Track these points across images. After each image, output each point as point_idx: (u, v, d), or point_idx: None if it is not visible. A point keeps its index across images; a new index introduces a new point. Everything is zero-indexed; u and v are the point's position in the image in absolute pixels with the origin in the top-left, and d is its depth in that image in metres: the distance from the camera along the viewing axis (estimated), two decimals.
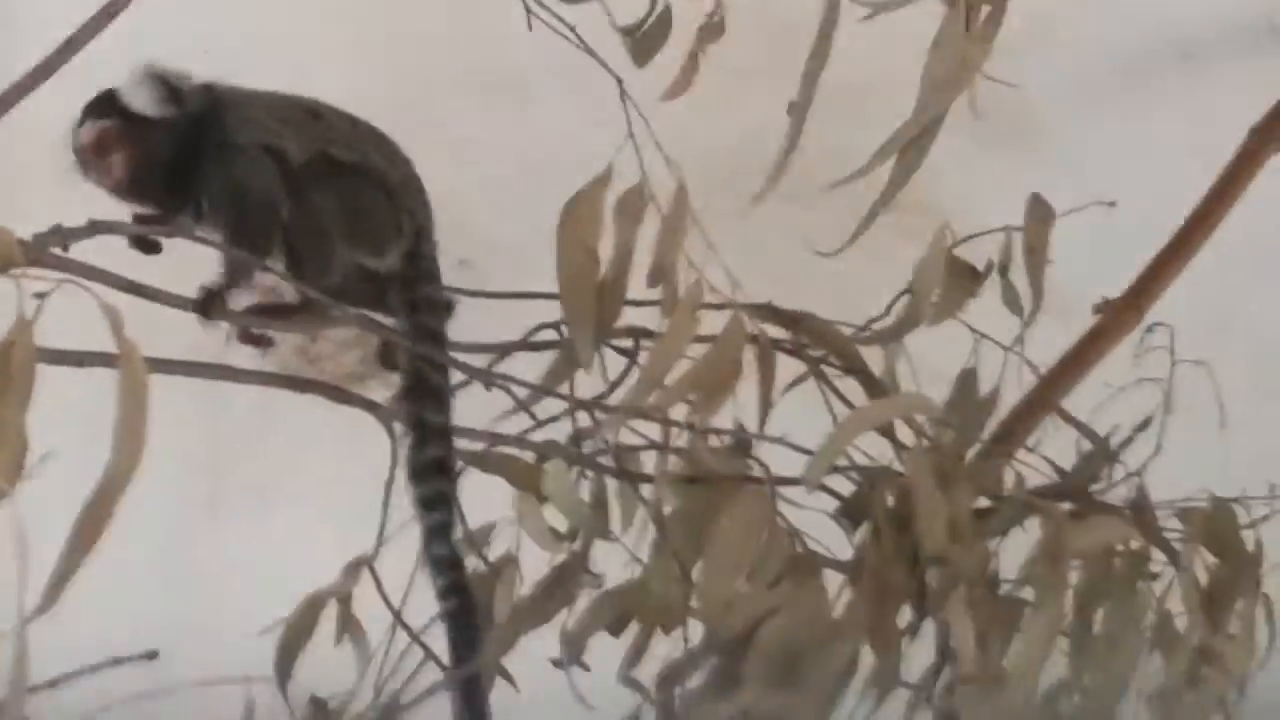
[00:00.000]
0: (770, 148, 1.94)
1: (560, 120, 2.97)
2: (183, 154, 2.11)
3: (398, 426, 2.09)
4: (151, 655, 2.84)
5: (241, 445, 2.04)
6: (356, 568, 2.03)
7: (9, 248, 1.66)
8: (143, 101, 2.11)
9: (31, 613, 1.52)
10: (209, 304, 2.08)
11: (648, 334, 2.06)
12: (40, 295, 1.63)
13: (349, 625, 2.04)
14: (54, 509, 1.57)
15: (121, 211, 2.14)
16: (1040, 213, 2.19)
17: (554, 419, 2.09)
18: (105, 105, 2.12)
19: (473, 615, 2.09)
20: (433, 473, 2.10)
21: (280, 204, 2.11)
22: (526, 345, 2.09)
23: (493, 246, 2.31)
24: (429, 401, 2.11)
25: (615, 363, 2.09)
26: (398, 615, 2.05)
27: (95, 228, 1.91)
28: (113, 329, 1.61)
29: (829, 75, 1.93)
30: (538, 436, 2.09)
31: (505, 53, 2.89)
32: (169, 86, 2.11)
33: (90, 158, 2.11)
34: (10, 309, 1.64)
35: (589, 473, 2.08)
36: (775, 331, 2.09)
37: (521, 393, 2.05)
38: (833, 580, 2.04)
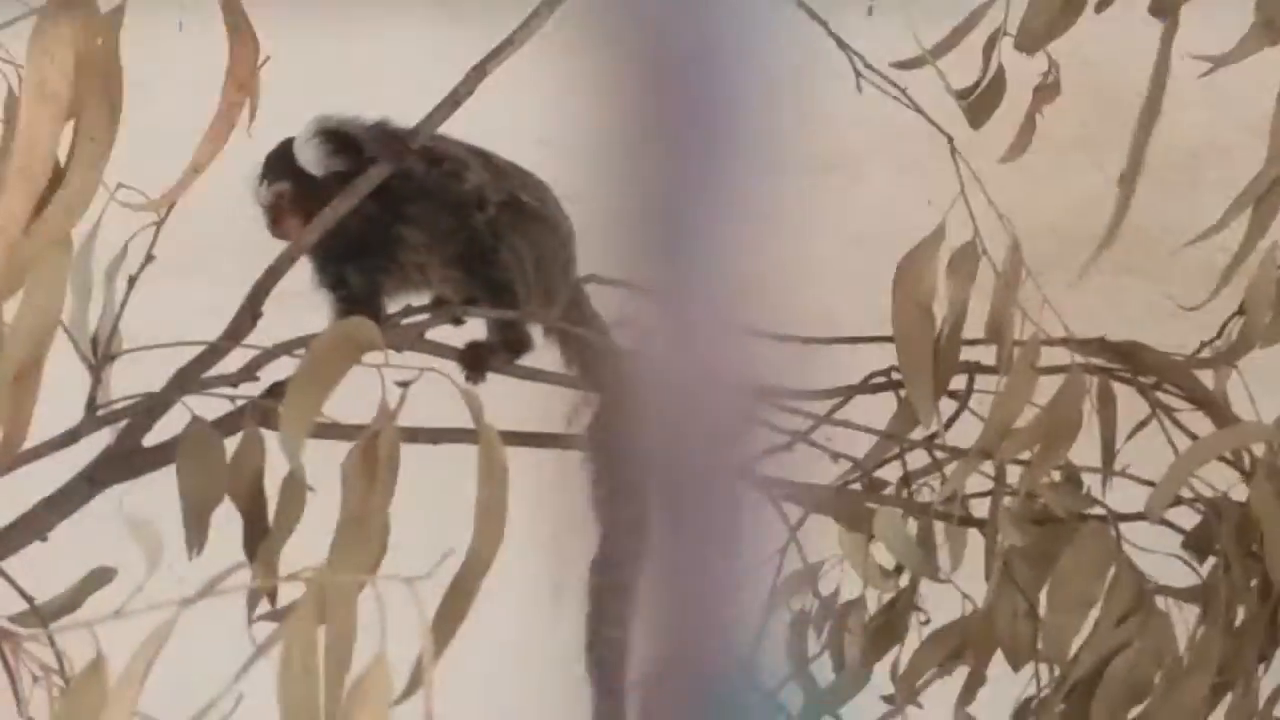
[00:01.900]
0: (1100, 220, 1.96)
1: (888, 198, 3.00)
2: (372, 200, 2.03)
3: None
4: None
5: (584, 524, 2.08)
6: None
7: (373, 336, 1.71)
8: (316, 159, 2.05)
9: (397, 696, 1.54)
10: (480, 359, 2.07)
11: (980, 369, 2.07)
12: (403, 384, 1.69)
13: None
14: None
15: None
16: None
17: (885, 462, 2.11)
18: (281, 164, 2.07)
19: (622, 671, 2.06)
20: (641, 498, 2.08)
21: (527, 255, 2.10)
22: (866, 389, 2.10)
23: (824, 326, 2.34)
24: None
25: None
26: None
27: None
28: (473, 414, 1.66)
29: (1157, 144, 1.94)
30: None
31: (838, 132, 2.91)
32: (343, 138, 2.05)
33: (271, 221, 2.07)
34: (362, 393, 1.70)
35: (915, 514, 2.09)
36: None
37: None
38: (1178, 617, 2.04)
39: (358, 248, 2.08)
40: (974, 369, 2.07)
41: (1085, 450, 2.03)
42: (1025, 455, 1.99)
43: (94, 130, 1.65)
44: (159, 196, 1.80)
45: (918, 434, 2.07)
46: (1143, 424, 2.06)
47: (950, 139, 2.00)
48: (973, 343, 2.01)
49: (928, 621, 2.12)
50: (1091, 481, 2.07)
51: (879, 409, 2.11)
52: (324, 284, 2.11)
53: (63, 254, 1.67)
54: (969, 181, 1.97)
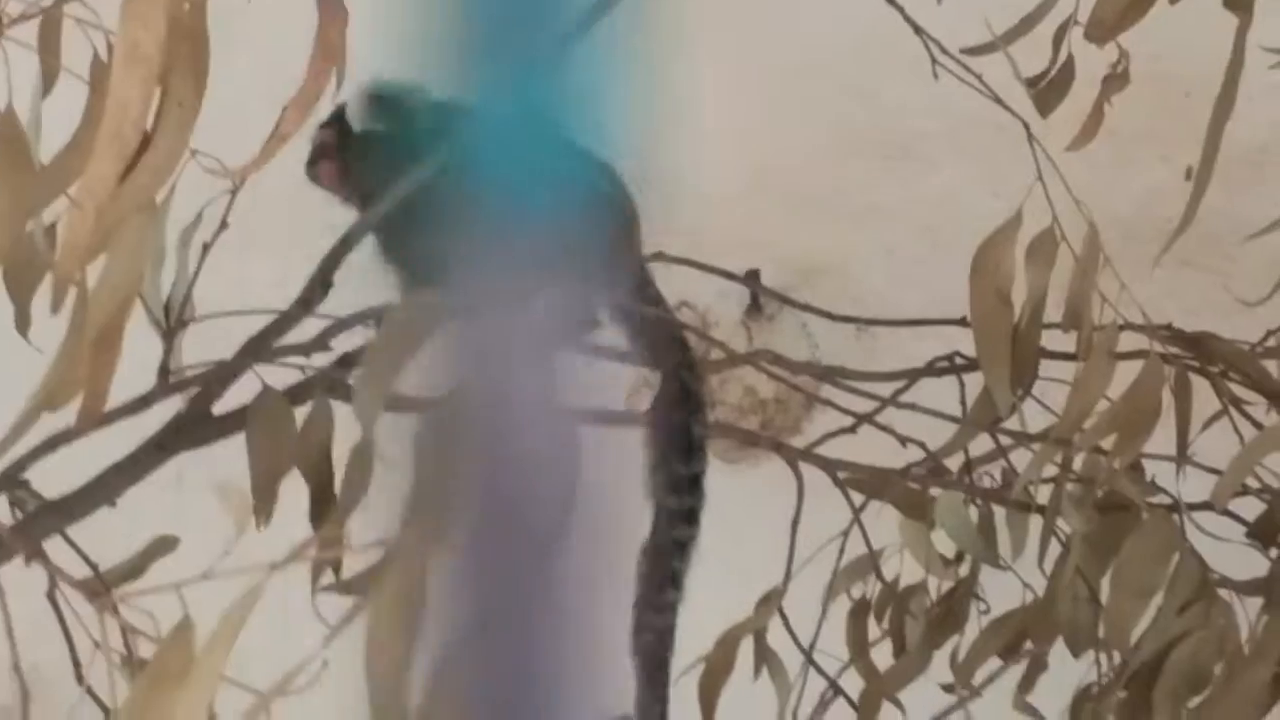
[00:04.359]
0: (1163, 213, 1.95)
1: (957, 188, 3.00)
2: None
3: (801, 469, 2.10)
4: None
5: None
6: (769, 602, 2.07)
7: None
8: (357, 116, 2.08)
9: None
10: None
11: (1045, 354, 2.06)
12: None
13: (767, 658, 2.07)
14: None
15: None
16: None
17: (949, 450, 2.11)
18: (335, 114, 2.10)
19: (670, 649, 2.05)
20: (696, 487, 2.07)
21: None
22: (931, 372, 2.10)
23: (890, 312, 2.34)
24: (697, 414, 2.09)
25: None
26: (808, 654, 2.08)
27: None
28: None
29: (1224, 137, 1.94)
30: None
31: (907, 121, 2.92)
32: (388, 103, 2.06)
33: (310, 162, 2.11)
34: None
35: (977, 500, 2.09)
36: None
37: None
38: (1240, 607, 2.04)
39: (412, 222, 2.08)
40: (1041, 355, 2.07)
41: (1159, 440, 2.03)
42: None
43: (182, 95, 1.65)
44: (236, 164, 1.80)
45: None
46: (1217, 415, 2.06)
47: (1027, 125, 2.00)
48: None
49: (987, 610, 2.12)
50: (1153, 468, 2.07)
51: (941, 394, 2.12)
52: (390, 260, 2.12)
53: (148, 219, 1.67)
54: (1045, 169, 1.97)
